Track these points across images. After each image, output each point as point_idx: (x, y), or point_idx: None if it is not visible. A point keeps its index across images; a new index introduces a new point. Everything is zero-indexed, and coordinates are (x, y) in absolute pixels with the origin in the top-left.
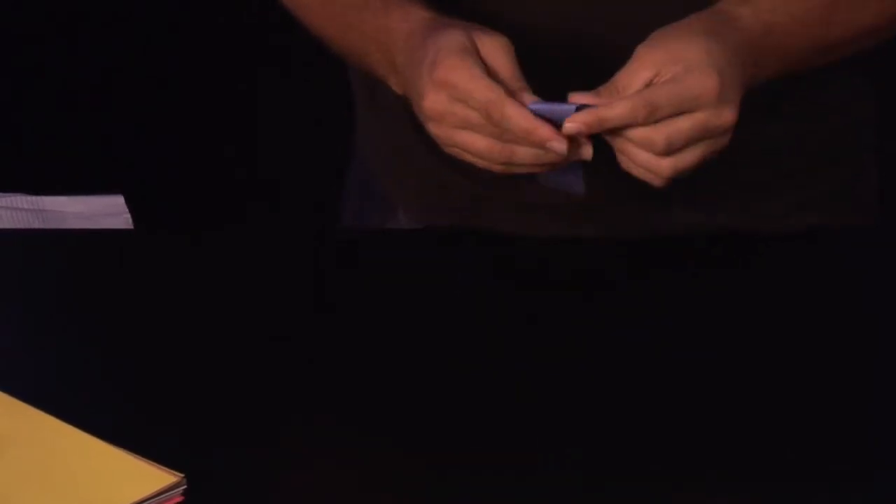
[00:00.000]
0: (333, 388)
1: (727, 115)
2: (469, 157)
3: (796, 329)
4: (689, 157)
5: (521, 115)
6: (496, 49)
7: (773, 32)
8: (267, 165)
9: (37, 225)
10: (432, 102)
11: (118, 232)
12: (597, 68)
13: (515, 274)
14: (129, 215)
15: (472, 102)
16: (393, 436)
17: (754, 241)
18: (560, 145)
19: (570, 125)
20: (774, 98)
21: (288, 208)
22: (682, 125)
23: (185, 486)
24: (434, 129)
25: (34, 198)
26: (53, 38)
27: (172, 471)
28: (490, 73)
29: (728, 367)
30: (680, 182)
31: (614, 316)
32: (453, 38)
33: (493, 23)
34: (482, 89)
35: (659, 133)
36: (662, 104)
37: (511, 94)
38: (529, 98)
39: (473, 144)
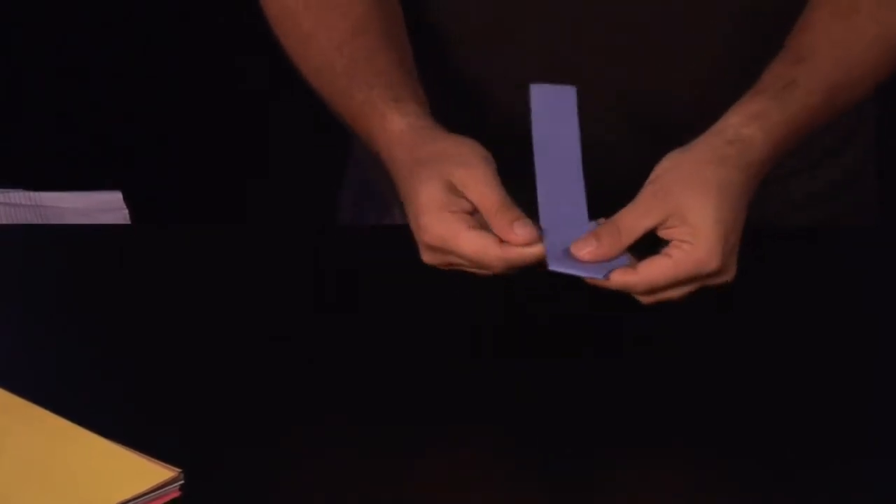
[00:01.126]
0: (331, 384)
1: (724, 277)
2: None
3: (794, 327)
4: (673, 296)
5: (518, 256)
6: (477, 180)
7: (780, 145)
8: (265, 163)
9: (35, 221)
10: (429, 258)
11: (116, 228)
12: None
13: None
14: (126, 211)
15: (465, 259)
16: (391, 433)
17: (752, 239)
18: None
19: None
20: None
21: (286, 206)
22: (675, 293)
23: (182, 482)
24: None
25: (32, 194)
26: (52, 34)
27: (170, 466)
28: (477, 208)
29: (726, 365)
30: None
31: (613, 313)
32: (430, 191)
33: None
34: (471, 247)
35: (649, 299)
36: (662, 285)
37: (502, 223)
38: (524, 226)
39: (476, 274)
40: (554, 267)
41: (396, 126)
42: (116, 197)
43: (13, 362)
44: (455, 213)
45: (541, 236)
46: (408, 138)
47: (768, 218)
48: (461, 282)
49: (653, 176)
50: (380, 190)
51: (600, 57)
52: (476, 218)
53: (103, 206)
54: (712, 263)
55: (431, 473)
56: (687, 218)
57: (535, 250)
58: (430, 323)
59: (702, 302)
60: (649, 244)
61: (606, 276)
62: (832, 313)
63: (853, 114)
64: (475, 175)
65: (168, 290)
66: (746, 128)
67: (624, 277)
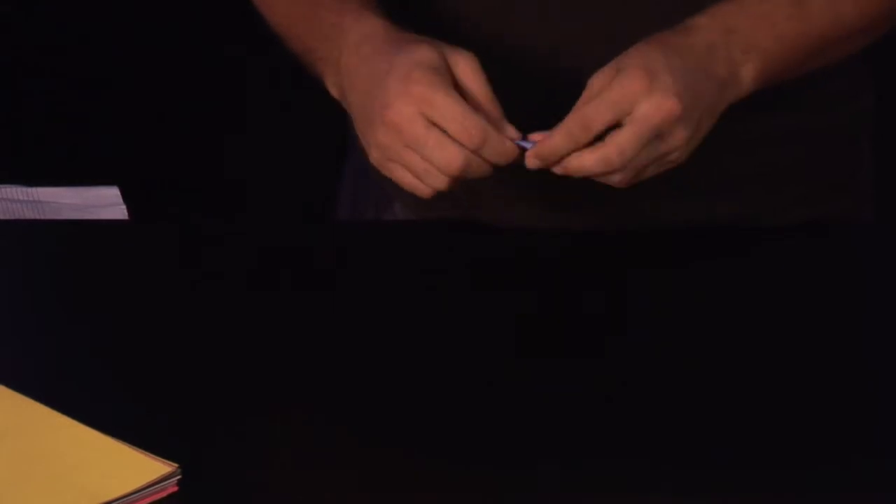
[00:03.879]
0: (328, 378)
1: (668, 105)
2: (400, 177)
3: (792, 325)
4: (642, 171)
5: (499, 141)
6: (470, 70)
7: (737, 31)
8: (263, 158)
9: (32, 216)
10: (397, 113)
11: (113, 223)
12: (571, 89)
13: (511, 266)
14: (124, 206)
15: (451, 125)
16: (389, 428)
17: (752, 234)
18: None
19: (530, 162)
20: (774, 90)
21: (284, 201)
22: (626, 133)
23: (179, 476)
24: (381, 138)
25: (30, 189)
26: (50, 31)
27: (167, 461)
28: (465, 97)
29: (724, 363)
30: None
31: (611, 307)
32: (427, 54)
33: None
34: (456, 106)
35: (609, 148)
36: (593, 116)
37: (490, 119)
38: (509, 127)
39: (410, 166)
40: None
41: (372, 23)
42: (114, 192)
43: (10, 358)
44: (451, 81)
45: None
46: (387, 29)
47: (765, 212)
48: (457, 275)
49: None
50: (377, 183)
51: (601, 41)
52: None
53: (101, 202)
54: (641, 85)
55: (430, 473)
56: (619, 64)
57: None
58: (428, 320)
59: (699, 293)
60: None
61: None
62: (831, 310)
63: (852, 106)
64: (468, 63)
65: (166, 285)
66: (696, 18)
67: (560, 129)
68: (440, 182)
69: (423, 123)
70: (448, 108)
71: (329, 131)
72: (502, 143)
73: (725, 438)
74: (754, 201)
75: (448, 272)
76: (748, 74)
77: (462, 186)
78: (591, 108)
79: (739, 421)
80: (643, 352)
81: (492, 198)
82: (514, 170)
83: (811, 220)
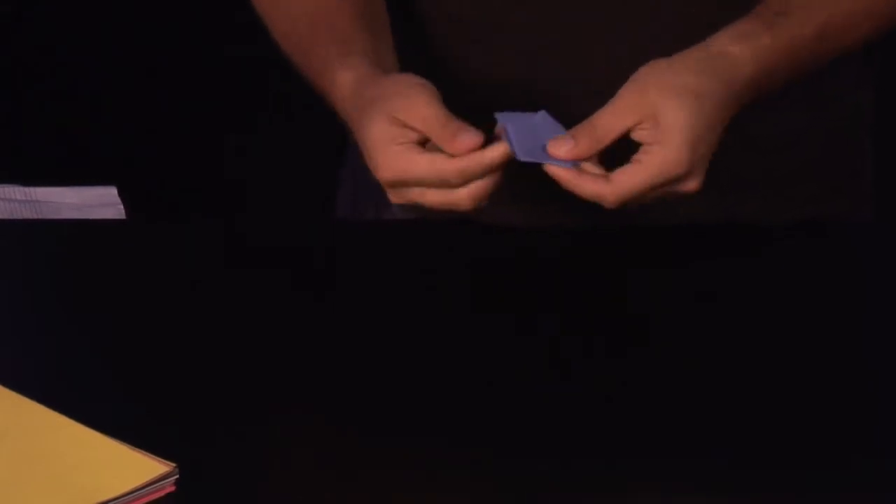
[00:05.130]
0: (327, 378)
1: (690, 185)
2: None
3: (792, 322)
4: (639, 203)
5: (474, 163)
6: (416, 107)
7: (767, 70)
8: (263, 158)
9: (31, 216)
10: (396, 198)
11: (111, 222)
12: (571, 88)
13: (511, 266)
14: (122, 206)
15: (425, 182)
16: (389, 428)
17: (751, 233)
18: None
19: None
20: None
21: (283, 201)
22: (644, 199)
23: (177, 476)
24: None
25: (28, 189)
26: (48, 30)
27: (165, 460)
28: (424, 134)
29: (725, 360)
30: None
31: (611, 307)
32: (376, 128)
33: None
34: (425, 167)
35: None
36: (634, 193)
37: (445, 136)
38: (466, 131)
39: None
40: (524, 158)
41: (344, 79)
42: (113, 192)
43: (9, 358)
44: (403, 144)
45: (490, 139)
46: (353, 89)
47: (766, 211)
48: (456, 274)
49: (633, 77)
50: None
51: (601, 40)
52: (427, 147)
53: (99, 201)
54: (680, 168)
55: (430, 472)
56: (659, 121)
57: (490, 153)
58: (428, 320)
59: (699, 299)
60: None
61: (577, 165)
62: (830, 309)
63: (852, 105)
64: (414, 103)
65: (164, 285)
66: (734, 45)
67: (596, 187)
68: (463, 209)
69: (418, 191)
70: (419, 175)
71: (329, 131)
72: (488, 159)
73: (725, 438)
74: (754, 201)
75: (448, 272)
76: (754, 103)
77: None
78: (630, 184)
79: (739, 421)
80: (643, 352)
81: (492, 196)
82: (514, 170)
83: (810, 219)
